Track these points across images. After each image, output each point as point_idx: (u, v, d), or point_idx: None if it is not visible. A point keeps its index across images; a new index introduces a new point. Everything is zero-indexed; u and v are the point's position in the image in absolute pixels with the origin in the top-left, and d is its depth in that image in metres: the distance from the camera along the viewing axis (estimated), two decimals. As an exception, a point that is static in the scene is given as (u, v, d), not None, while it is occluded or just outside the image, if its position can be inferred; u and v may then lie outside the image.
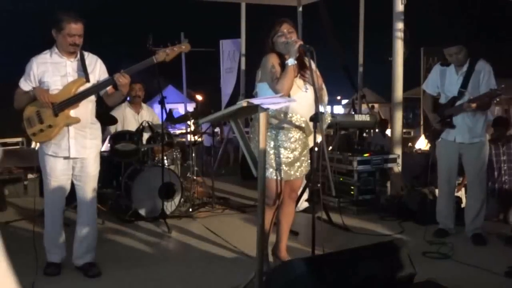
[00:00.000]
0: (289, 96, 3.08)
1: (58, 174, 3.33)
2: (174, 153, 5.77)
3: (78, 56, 3.33)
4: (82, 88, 3.29)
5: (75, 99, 3.25)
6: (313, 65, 3.01)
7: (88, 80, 3.30)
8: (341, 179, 5.54)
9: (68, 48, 3.24)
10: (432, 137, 4.51)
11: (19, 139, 9.86)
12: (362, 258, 2.61)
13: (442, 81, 4.27)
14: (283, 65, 3.12)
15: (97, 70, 3.39)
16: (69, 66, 3.30)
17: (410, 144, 9.73)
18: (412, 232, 4.46)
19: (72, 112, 3.27)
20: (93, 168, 3.44)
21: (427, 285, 2.87)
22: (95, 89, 3.33)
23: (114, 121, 5.59)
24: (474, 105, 3.97)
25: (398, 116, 6.00)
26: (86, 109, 3.38)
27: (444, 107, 4.25)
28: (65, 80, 3.27)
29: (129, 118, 5.87)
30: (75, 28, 3.20)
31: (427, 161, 5.95)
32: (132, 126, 5.75)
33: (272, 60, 3.16)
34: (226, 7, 9.02)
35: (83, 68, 3.31)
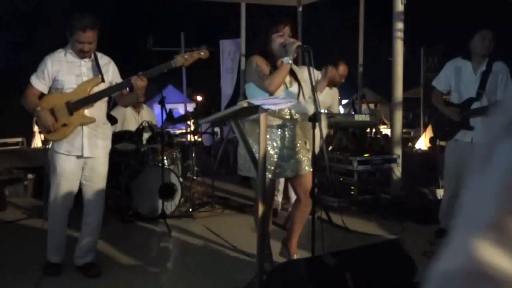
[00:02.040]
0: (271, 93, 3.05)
1: (68, 173, 3.32)
2: (174, 153, 5.77)
3: (92, 56, 3.34)
4: (97, 88, 3.30)
5: (91, 99, 3.26)
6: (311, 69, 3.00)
7: (103, 80, 3.31)
8: (341, 179, 5.54)
9: (78, 53, 3.26)
10: (447, 137, 4.36)
11: (19, 139, 9.85)
12: (362, 258, 2.61)
13: (457, 80, 4.10)
14: (272, 67, 3.11)
15: (110, 71, 3.40)
16: (84, 66, 3.31)
17: (410, 144, 9.74)
18: (412, 232, 4.46)
19: (87, 112, 3.29)
20: (102, 168, 3.45)
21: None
22: (111, 91, 3.35)
23: (114, 121, 5.60)
24: None
25: (398, 116, 6.00)
26: (100, 109, 3.39)
27: (461, 107, 4.06)
28: (79, 80, 3.27)
29: (129, 118, 5.89)
30: (84, 36, 3.17)
31: (427, 161, 5.95)
32: (132, 126, 5.76)
33: (257, 60, 3.13)
34: (226, 7, 9.03)
35: (97, 68, 3.32)
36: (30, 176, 6.33)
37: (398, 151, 5.79)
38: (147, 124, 5.53)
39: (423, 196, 4.96)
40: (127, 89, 3.44)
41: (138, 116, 5.92)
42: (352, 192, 5.39)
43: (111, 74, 3.40)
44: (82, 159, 3.34)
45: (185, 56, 3.31)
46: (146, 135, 5.61)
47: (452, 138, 4.19)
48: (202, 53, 3.37)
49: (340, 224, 4.65)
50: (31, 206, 5.60)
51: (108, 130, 3.51)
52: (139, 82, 3.21)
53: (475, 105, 4.02)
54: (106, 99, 3.43)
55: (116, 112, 5.84)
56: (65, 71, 3.26)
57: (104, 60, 3.40)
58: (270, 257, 3.37)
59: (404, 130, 9.19)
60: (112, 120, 5.58)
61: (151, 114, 6.14)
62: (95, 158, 3.37)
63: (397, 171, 5.68)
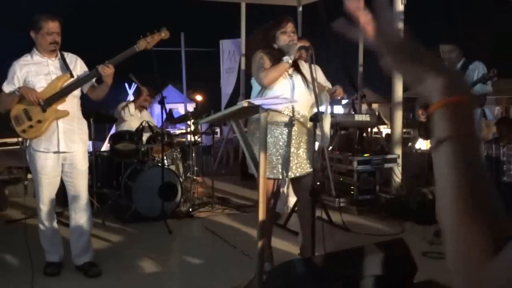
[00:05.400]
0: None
1: (49, 170, 3.34)
2: (174, 153, 5.78)
3: (59, 55, 3.37)
4: (67, 84, 3.33)
5: (62, 94, 3.29)
6: (313, 66, 3.01)
7: (72, 76, 3.34)
8: (341, 179, 5.54)
9: (48, 47, 3.28)
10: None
11: (20, 139, 9.87)
12: (362, 258, 2.61)
13: None
14: (273, 59, 3.14)
15: (78, 67, 3.43)
16: (51, 64, 3.34)
17: (410, 144, 9.73)
18: (412, 232, 4.46)
19: (60, 107, 3.31)
20: (82, 163, 3.47)
21: (427, 285, 2.87)
22: (80, 82, 3.36)
23: (113, 120, 5.71)
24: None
25: (398, 116, 6.00)
26: (73, 103, 3.41)
27: None
28: (49, 78, 3.30)
29: (134, 116, 5.99)
30: (53, 26, 3.25)
31: (427, 161, 5.96)
32: (135, 124, 5.84)
33: (262, 54, 3.19)
34: (226, 7, 9.03)
35: (65, 66, 3.34)
36: (30, 176, 6.33)
37: (398, 151, 5.80)
38: (147, 124, 5.54)
39: (423, 196, 4.95)
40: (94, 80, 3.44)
41: (140, 115, 6.00)
42: (352, 192, 5.39)
43: (79, 69, 3.43)
44: (61, 155, 3.36)
45: (147, 40, 3.34)
46: (146, 135, 5.63)
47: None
48: (163, 34, 3.41)
49: (340, 224, 4.65)
50: (31, 206, 5.59)
51: (84, 125, 3.55)
52: (106, 69, 3.25)
53: None
54: (78, 94, 3.45)
55: (121, 111, 5.93)
56: (33, 72, 3.29)
57: (71, 58, 3.44)
58: (270, 257, 3.37)
59: (404, 130, 9.20)
60: (111, 119, 5.65)
61: (150, 117, 6.25)
62: (73, 154, 3.39)
63: (397, 171, 5.68)
